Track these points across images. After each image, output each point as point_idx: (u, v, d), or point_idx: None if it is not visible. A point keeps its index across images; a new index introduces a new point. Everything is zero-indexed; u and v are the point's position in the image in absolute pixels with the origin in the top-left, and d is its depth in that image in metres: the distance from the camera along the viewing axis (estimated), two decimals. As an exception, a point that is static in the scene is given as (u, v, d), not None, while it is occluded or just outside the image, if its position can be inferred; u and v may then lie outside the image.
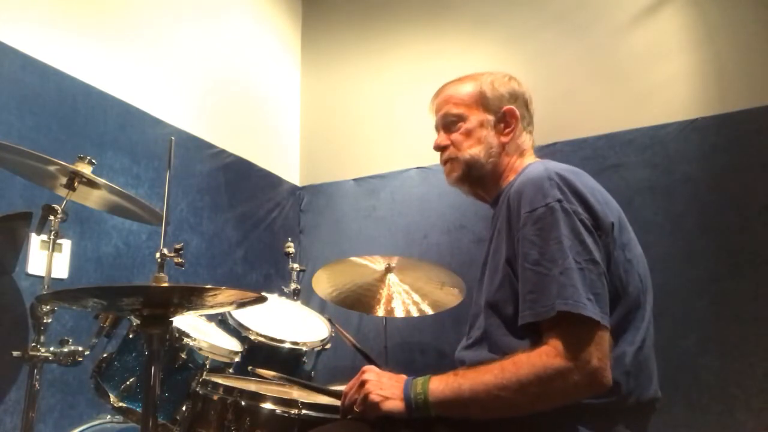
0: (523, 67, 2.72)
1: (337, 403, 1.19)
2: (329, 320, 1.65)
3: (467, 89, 1.35)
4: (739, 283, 2.16)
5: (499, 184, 1.32)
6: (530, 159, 1.34)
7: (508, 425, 1.04)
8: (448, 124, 1.36)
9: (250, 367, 1.47)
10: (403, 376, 1.12)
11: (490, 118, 1.33)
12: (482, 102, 1.33)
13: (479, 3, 2.96)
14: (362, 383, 1.11)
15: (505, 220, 1.15)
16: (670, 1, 2.51)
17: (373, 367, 1.16)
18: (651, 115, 2.44)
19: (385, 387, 1.10)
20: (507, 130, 1.33)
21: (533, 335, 1.05)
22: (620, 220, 1.15)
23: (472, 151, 1.31)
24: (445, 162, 1.37)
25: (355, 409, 1.10)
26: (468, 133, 1.32)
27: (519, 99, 1.35)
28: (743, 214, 2.20)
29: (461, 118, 1.33)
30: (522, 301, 1.05)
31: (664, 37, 2.49)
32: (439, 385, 1.06)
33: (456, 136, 1.33)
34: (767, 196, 2.17)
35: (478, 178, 1.33)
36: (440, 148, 1.37)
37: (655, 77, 2.47)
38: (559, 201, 1.06)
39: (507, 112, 1.33)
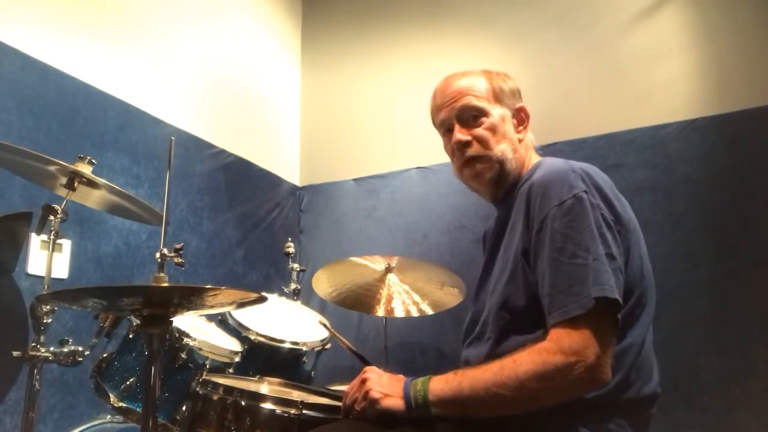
0: (523, 67, 2.72)
1: (337, 403, 1.19)
2: (324, 325, 1.64)
3: (482, 83, 1.29)
4: (739, 283, 2.15)
5: (514, 180, 1.28)
6: (536, 156, 1.33)
7: (508, 421, 1.04)
8: (467, 118, 1.27)
9: (258, 376, 1.47)
10: (404, 377, 1.13)
11: (508, 113, 1.29)
12: (499, 97, 1.28)
13: (479, 3, 2.96)
14: (363, 381, 1.12)
15: (522, 213, 1.13)
16: (670, 1, 2.50)
17: (374, 368, 1.17)
18: (651, 115, 2.44)
19: (386, 385, 1.10)
20: (521, 128, 1.31)
21: (545, 327, 1.04)
22: (634, 218, 1.16)
23: (501, 147, 1.25)
24: (471, 159, 1.26)
25: (356, 407, 1.11)
26: (493, 129, 1.25)
27: (521, 96, 1.35)
28: (743, 214, 2.20)
29: (483, 113, 1.26)
30: (564, 295, 1.01)
31: (664, 37, 2.49)
32: (439, 383, 1.06)
33: (481, 132, 1.25)
34: (767, 196, 2.17)
35: (505, 176, 1.26)
36: (463, 144, 1.26)
37: (655, 77, 2.47)
38: (585, 192, 1.07)
39: (521, 110, 1.31)
